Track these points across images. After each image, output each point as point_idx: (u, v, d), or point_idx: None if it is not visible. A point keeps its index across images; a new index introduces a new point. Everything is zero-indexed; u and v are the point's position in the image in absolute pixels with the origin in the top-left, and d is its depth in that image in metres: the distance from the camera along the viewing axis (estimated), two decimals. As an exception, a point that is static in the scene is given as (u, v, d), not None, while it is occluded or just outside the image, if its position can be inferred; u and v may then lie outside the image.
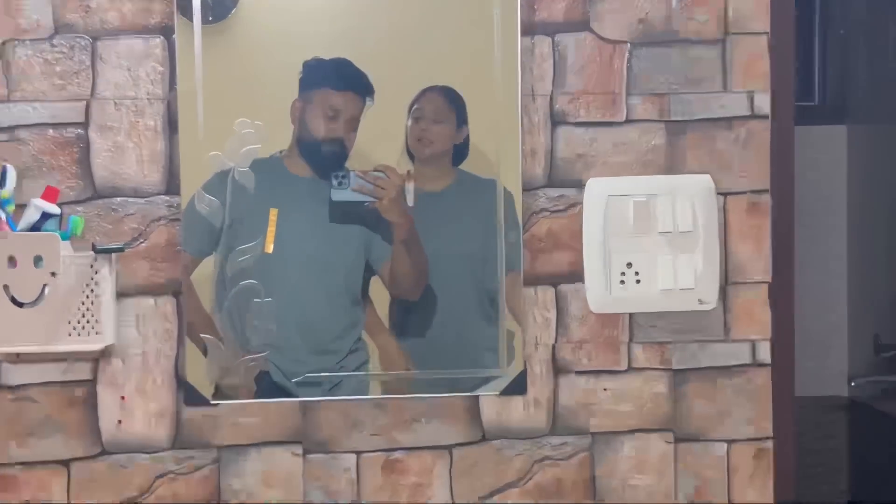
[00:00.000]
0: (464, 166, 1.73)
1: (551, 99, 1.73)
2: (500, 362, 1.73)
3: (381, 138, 1.73)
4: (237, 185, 1.69)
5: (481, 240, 1.72)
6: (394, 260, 1.71)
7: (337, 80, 1.70)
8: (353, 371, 1.73)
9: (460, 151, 1.73)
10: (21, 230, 1.63)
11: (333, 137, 1.69)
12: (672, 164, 1.74)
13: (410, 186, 1.71)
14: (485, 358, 1.74)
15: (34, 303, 1.63)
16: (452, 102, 1.72)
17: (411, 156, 1.72)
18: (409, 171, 1.71)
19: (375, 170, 1.69)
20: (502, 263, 1.72)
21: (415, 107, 1.71)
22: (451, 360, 1.74)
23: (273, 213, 1.69)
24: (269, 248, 1.69)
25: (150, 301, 1.70)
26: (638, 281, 1.72)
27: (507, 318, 1.73)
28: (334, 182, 1.68)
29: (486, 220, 1.72)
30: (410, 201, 1.71)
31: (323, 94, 1.69)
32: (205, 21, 1.67)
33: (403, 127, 1.72)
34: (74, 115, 1.67)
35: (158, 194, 1.69)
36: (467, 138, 1.72)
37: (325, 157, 1.69)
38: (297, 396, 1.71)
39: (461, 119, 1.71)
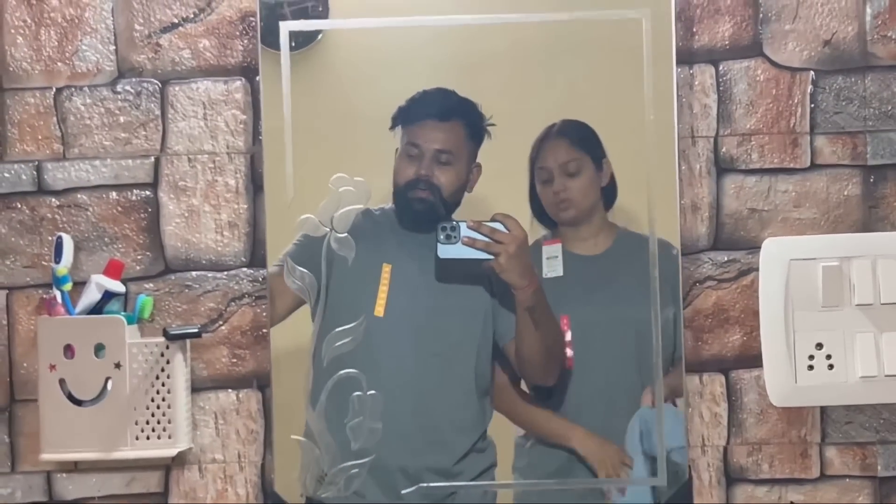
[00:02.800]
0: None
1: (715, 141, 1.46)
2: (658, 469, 1.45)
3: (500, 193, 1.48)
4: (333, 255, 1.45)
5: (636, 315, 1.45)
6: (518, 334, 1.44)
7: (421, 112, 1.46)
8: (475, 477, 1.46)
9: (609, 194, 1.47)
10: (79, 313, 1.41)
11: (421, 179, 1.44)
12: (870, 220, 1.45)
13: (555, 253, 1.45)
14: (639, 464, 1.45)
15: (95, 400, 1.42)
16: (581, 141, 1.46)
17: (545, 219, 1.46)
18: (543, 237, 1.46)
19: (492, 219, 1.43)
20: (658, 345, 1.44)
21: (537, 165, 1.45)
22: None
23: (386, 270, 1.44)
24: (380, 311, 1.44)
25: (232, 396, 1.46)
26: (831, 366, 1.44)
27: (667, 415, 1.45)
28: (441, 235, 1.42)
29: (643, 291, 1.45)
30: (555, 270, 1.45)
31: (412, 129, 1.45)
32: (291, 50, 1.44)
33: (526, 189, 1.47)
34: (141, 174, 1.46)
35: (241, 267, 1.46)
36: (612, 176, 1.45)
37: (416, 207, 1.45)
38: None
39: (598, 154, 1.45)
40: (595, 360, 1.47)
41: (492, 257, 1.43)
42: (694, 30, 1.47)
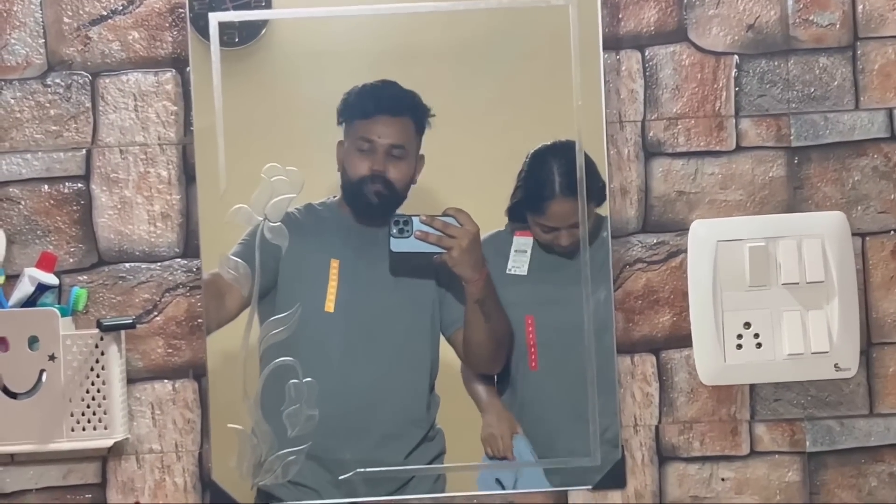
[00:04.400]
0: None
1: (643, 126, 1.50)
2: (591, 449, 1.49)
3: (444, 185, 1.51)
4: (267, 244, 1.48)
5: (565, 301, 1.49)
6: (467, 325, 1.48)
7: (372, 106, 1.49)
8: (427, 465, 1.49)
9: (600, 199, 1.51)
10: (12, 306, 1.43)
11: (376, 174, 1.47)
12: (795, 201, 1.50)
13: (524, 247, 1.50)
14: (573, 444, 1.49)
15: (29, 393, 1.43)
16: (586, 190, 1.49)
17: (518, 216, 1.52)
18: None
19: (444, 214, 1.46)
20: (590, 327, 1.48)
21: (537, 219, 1.50)
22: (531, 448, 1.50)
23: (335, 266, 1.47)
24: (330, 307, 1.47)
25: (168, 386, 1.49)
26: (759, 345, 1.48)
27: (598, 395, 1.49)
28: (394, 229, 1.46)
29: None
30: (520, 267, 1.48)
31: (363, 124, 1.47)
32: (229, 44, 1.46)
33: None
34: (73, 166, 1.49)
35: (175, 258, 1.49)
36: (604, 189, 1.50)
37: (371, 201, 1.48)
38: (350, 496, 1.48)
39: (599, 195, 1.50)
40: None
41: (444, 251, 1.46)
42: (620, 16, 1.51)
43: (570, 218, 1.48)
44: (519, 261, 1.49)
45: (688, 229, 1.50)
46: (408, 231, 1.46)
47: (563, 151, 1.48)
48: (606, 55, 1.50)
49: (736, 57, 1.51)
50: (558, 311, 1.50)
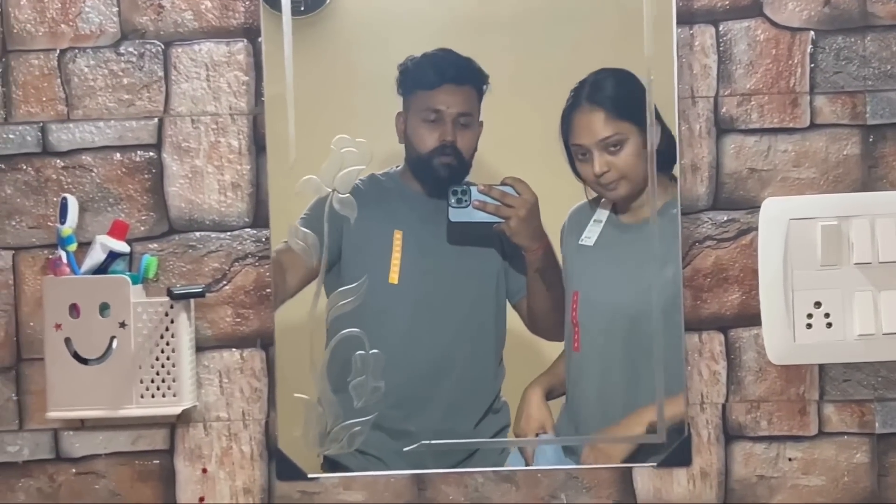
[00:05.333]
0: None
1: (716, 102, 1.49)
2: (657, 426, 1.48)
3: (507, 157, 1.50)
4: (336, 216, 1.48)
5: (632, 278, 1.48)
6: (529, 293, 1.48)
7: (436, 76, 1.48)
8: (490, 438, 1.50)
9: (667, 156, 1.48)
10: (84, 273, 1.45)
11: (447, 144, 1.47)
12: (869, 179, 1.48)
13: (601, 217, 1.49)
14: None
15: (100, 359, 1.45)
16: (619, 108, 1.47)
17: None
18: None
19: (502, 183, 1.46)
20: (658, 305, 1.47)
21: (571, 142, 1.48)
22: (596, 422, 1.50)
23: (398, 237, 1.47)
24: (395, 278, 1.48)
25: (236, 355, 1.50)
26: (829, 325, 1.47)
27: (665, 372, 1.48)
28: (452, 199, 1.46)
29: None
30: (589, 238, 1.47)
31: (427, 95, 1.47)
32: (295, 13, 1.46)
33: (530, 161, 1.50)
34: (145, 135, 1.50)
35: (244, 227, 1.50)
36: (665, 134, 1.47)
37: (441, 174, 1.48)
38: (416, 467, 1.49)
39: (642, 117, 1.46)
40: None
41: (502, 220, 1.47)
42: (694, -10, 1.49)
43: (598, 133, 1.46)
44: (592, 231, 1.49)
45: (759, 207, 1.48)
46: (466, 201, 1.47)
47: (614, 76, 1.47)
48: (680, 29, 1.48)
49: (812, 33, 1.49)
50: (609, 288, 1.49)
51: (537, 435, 1.49)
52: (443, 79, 1.49)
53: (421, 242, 1.50)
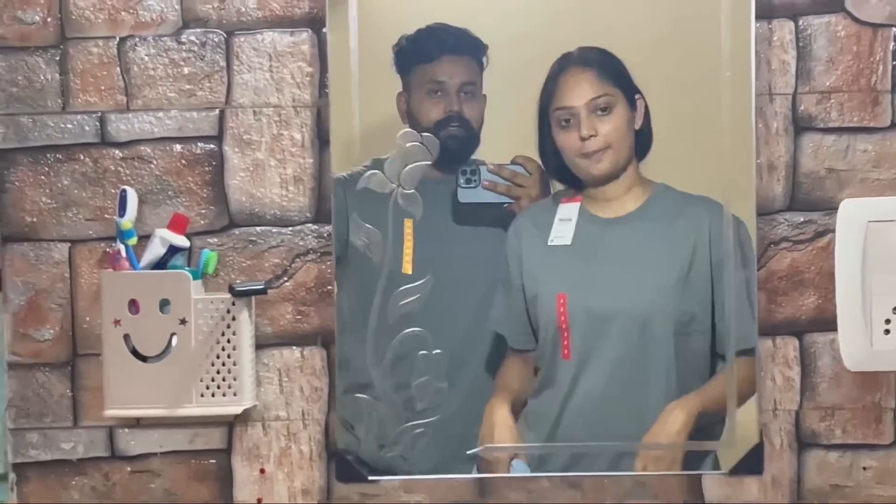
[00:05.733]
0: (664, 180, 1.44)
1: (793, 99, 1.44)
2: (728, 432, 1.44)
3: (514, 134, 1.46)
4: (401, 212, 1.44)
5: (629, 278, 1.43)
6: None
7: (434, 49, 1.44)
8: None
9: (643, 140, 1.43)
10: (144, 268, 1.41)
11: (453, 115, 1.43)
12: (952, 181, 1.44)
13: (570, 215, 1.43)
14: (709, 427, 1.45)
15: (159, 356, 1.41)
16: (609, 72, 1.42)
17: (565, 175, 1.44)
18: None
19: (512, 162, 1.42)
20: (731, 308, 1.43)
21: (553, 107, 1.41)
22: (626, 428, 1.46)
23: (409, 225, 1.43)
24: (408, 269, 1.43)
25: (296, 353, 1.47)
26: (908, 330, 1.42)
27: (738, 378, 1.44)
28: (461, 179, 1.42)
29: (700, 252, 1.42)
30: (562, 237, 1.42)
31: (427, 68, 1.43)
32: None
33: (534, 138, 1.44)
34: (206, 126, 1.46)
35: (306, 223, 1.46)
36: (647, 117, 1.42)
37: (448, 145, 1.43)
38: (477, 471, 1.45)
39: (630, 89, 1.42)
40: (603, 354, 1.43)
41: (513, 201, 1.42)
42: (774, -17, 1.45)
43: (587, 93, 1.41)
44: (563, 230, 1.43)
45: (837, 208, 1.44)
46: (475, 181, 1.42)
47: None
48: (758, 24, 1.43)
49: (895, 29, 1.44)
50: (600, 288, 1.43)
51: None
52: (442, 50, 1.43)
53: (433, 229, 1.45)
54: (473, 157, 1.44)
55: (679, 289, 1.41)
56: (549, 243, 1.44)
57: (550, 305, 1.43)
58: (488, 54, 1.44)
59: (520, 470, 1.44)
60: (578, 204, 1.44)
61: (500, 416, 1.44)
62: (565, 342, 1.43)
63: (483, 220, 1.45)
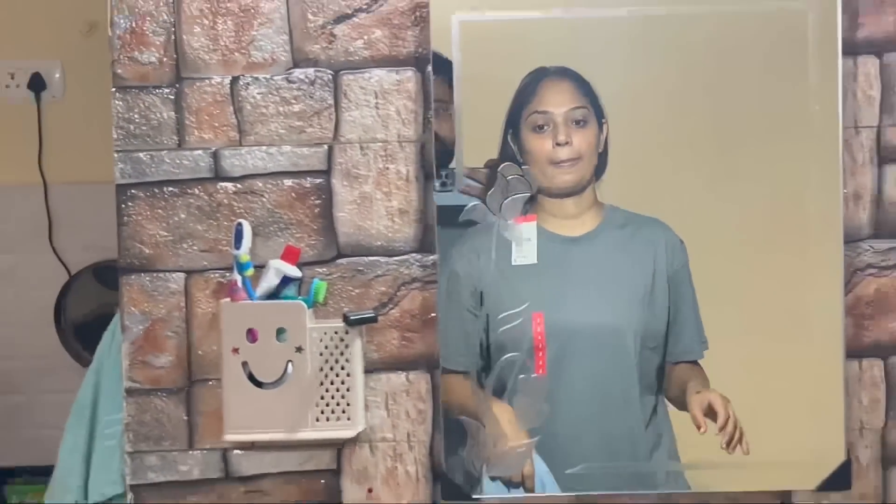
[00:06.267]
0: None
1: (878, 132, 1.51)
2: (815, 450, 1.51)
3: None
4: (503, 242, 1.51)
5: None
6: None
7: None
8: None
9: (602, 163, 1.50)
10: (259, 298, 1.48)
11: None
12: None
13: (529, 235, 1.49)
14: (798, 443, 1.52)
15: (276, 383, 1.48)
16: (586, 90, 1.48)
17: None
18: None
19: (485, 166, 1.49)
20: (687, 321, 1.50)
21: (528, 110, 1.47)
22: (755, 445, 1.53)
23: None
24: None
25: (402, 377, 1.53)
26: None
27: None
28: (436, 183, 1.48)
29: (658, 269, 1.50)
30: (526, 256, 1.49)
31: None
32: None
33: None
34: (315, 161, 1.52)
35: (411, 252, 1.52)
36: (607, 140, 1.49)
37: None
38: (578, 490, 1.52)
39: (600, 111, 1.48)
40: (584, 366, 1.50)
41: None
42: (859, 21, 1.51)
43: (567, 102, 1.47)
44: (525, 250, 1.49)
45: (920, 236, 1.51)
46: (450, 185, 1.49)
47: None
48: (844, 60, 1.50)
49: (975, 64, 1.51)
50: (574, 306, 1.49)
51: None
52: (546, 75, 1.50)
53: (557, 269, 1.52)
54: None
55: (646, 303, 1.48)
56: (514, 263, 1.50)
57: (525, 324, 1.49)
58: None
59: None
60: (535, 223, 1.50)
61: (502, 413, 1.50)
62: (540, 361, 1.50)
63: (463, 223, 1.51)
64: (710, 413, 1.50)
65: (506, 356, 1.52)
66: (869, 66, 1.52)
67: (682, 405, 1.51)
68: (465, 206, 1.50)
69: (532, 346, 1.50)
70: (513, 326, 1.52)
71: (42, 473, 2.00)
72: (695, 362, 1.51)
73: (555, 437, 1.49)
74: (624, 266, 1.49)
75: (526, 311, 1.49)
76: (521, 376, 1.52)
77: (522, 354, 1.51)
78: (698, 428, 1.49)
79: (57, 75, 2.50)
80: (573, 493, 1.52)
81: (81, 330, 2.47)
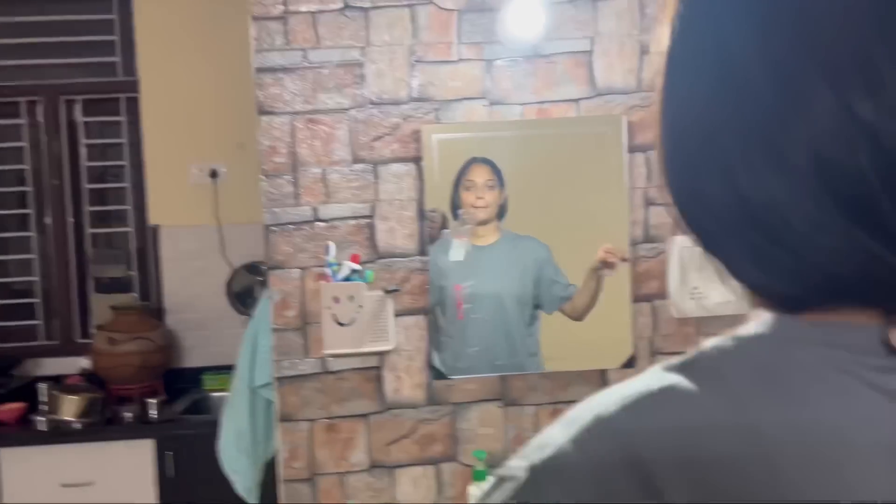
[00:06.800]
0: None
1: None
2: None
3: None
4: (450, 248, 3.04)
5: (496, 277, 3.05)
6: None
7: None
8: (531, 355, 3.07)
9: (503, 211, 3.01)
10: (339, 281, 3.00)
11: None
12: None
13: (461, 245, 3.05)
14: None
15: (349, 324, 3.00)
16: (495, 171, 2.97)
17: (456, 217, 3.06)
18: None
19: (431, 211, 3.02)
20: (514, 294, 3.04)
21: (464, 178, 2.96)
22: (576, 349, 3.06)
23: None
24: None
25: (413, 319, 3.05)
26: None
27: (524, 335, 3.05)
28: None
29: (533, 265, 3.05)
30: (457, 256, 3.03)
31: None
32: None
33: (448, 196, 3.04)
34: (365, 210, 3.02)
35: (415, 255, 3.03)
36: (506, 199, 3.00)
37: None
38: (499, 372, 3.06)
39: (502, 183, 2.98)
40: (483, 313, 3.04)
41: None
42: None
43: (485, 175, 2.99)
44: (458, 252, 2.95)
45: None
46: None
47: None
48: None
49: None
50: (481, 282, 3.05)
51: None
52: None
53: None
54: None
55: (523, 283, 2.99)
56: (451, 259, 3.01)
57: (454, 290, 3.01)
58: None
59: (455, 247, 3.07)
60: (466, 239, 3.01)
61: None
62: (460, 310, 3.01)
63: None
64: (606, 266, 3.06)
65: (447, 303, 3.05)
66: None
67: (584, 315, 3.05)
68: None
69: (455, 301, 3.02)
70: (450, 290, 3.05)
71: (225, 370, 3.62)
72: (569, 297, 3.04)
73: (464, 347, 3.03)
74: (510, 261, 3.01)
75: (454, 283, 3.01)
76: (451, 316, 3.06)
77: (453, 305, 3.04)
78: (609, 266, 3.02)
79: (224, 169, 4.31)
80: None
81: (240, 295, 4.21)
